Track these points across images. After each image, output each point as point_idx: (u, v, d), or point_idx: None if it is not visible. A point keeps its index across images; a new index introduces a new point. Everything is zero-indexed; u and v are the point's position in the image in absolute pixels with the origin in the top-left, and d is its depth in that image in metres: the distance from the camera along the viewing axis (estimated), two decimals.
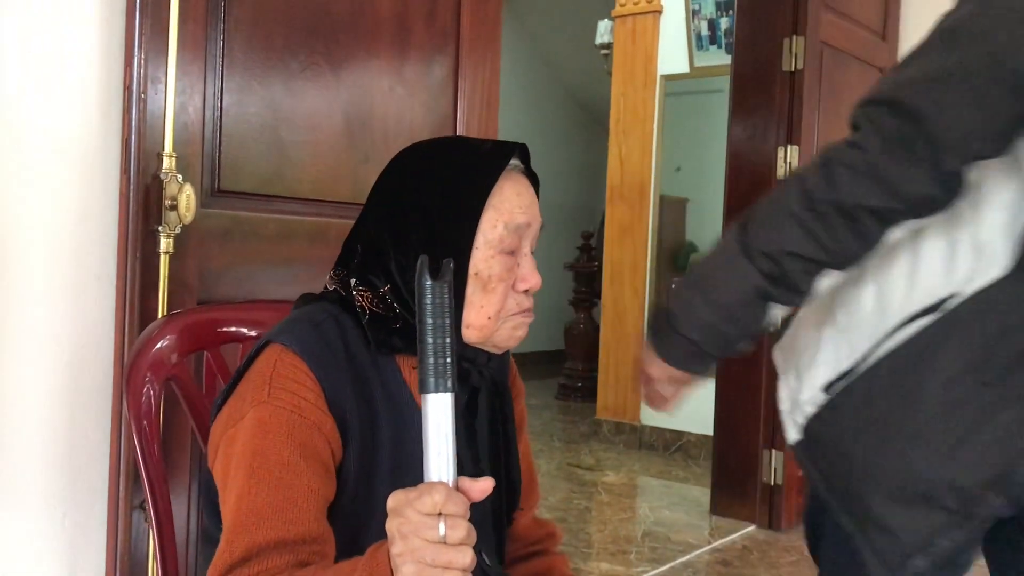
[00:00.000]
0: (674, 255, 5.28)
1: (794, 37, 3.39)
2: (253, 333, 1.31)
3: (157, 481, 1.12)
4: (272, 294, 1.70)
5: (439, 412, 0.77)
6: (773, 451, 3.47)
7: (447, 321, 0.77)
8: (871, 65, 3.81)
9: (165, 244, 1.49)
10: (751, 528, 3.44)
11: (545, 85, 7.86)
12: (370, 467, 0.98)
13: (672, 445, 4.69)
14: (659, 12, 4.69)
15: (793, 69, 3.40)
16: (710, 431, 3.92)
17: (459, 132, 2.06)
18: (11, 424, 1.40)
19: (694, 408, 4.49)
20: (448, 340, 0.77)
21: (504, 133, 6.73)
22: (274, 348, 0.97)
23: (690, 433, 4.62)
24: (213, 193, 1.61)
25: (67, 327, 1.46)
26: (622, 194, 4.91)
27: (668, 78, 4.72)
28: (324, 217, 1.79)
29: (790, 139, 3.41)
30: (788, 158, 3.40)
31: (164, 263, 1.50)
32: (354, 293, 1.01)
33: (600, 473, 4.22)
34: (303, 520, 0.89)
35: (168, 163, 1.50)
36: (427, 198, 0.99)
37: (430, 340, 0.76)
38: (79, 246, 1.47)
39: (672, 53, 4.69)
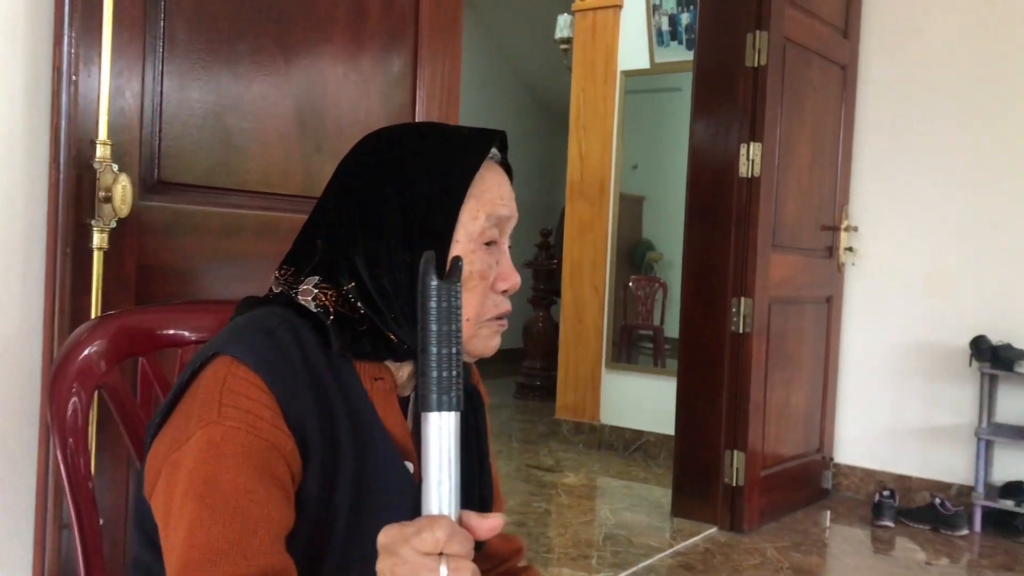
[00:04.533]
0: (630, 253, 5.26)
1: (757, 32, 3.35)
2: (194, 337, 1.20)
3: (84, 504, 1.01)
4: (218, 292, 1.60)
5: (443, 434, 0.67)
6: (735, 452, 3.42)
7: (455, 327, 0.68)
8: (833, 62, 3.79)
9: (99, 239, 1.38)
10: (713, 530, 3.39)
11: (502, 79, 7.77)
12: (331, 486, 0.88)
13: (632, 445, 4.64)
14: (619, 7, 4.63)
15: (756, 65, 3.35)
16: (669, 430, 3.87)
17: (418, 118, 1.96)
18: None
19: (653, 407, 4.48)
20: (455, 351, 0.67)
21: None
22: (223, 360, 0.86)
23: (650, 432, 4.57)
24: (153, 184, 1.50)
25: None
26: (582, 191, 4.85)
27: (628, 74, 4.66)
28: (273, 211, 1.68)
29: (753, 136, 3.36)
30: (751, 155, 3.36)
31: (98, 260, 1.38)
32: (315, 291, 0.90)
33: (560, 474, 4.14)
34: (263, 553, 0.79)
35: (102, 151, 1.38)
36: (403, 185, 0.90)
37: (434, 350, 0.67)
38: (2, 243, 1.35)
39: (632, 49, 4.64)
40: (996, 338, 3.60)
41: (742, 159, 3.38)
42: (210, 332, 1.20)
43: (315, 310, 0.90)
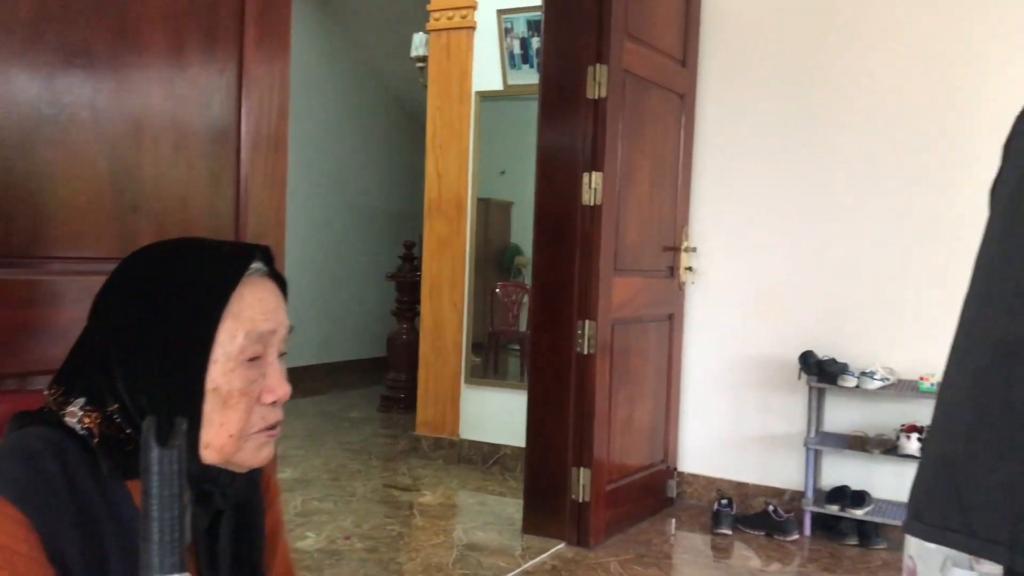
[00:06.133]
0: (499, 258, 5.38)
1: (598, 65, 3.47)
2: None
3: None
4: (32, 366, 1.57)
5: None
6: (581, 469, 3.55)
7: (176, 491, 0.71)
8: (672, 91, 3.96)
9: None
10: (561, 546, 3.51)
11: (368, 90, 7.74)
12: None
13: (490, 458, 4.73)
14: (473, 28, 4.70)
15: (597, 97, 3.48)
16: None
17: (243, 177, 1.97)
18: None
19: (511, 421, 4.58)
20: (178, 513, 0.71)
21: (325, 139, 6.62)
22: None
23: (507, 446, 4.68)
24: None
25: None
26: (440, 208, 4.90)
27: (483, 95, 4.73)
28: (88, 275, 1.66)
29: (595, 165, 3.49)
30: (593, 184, 3.49)
31: None
32: (80, 413, 0.92)
33: (417, 493, 4.19)
34: None
35: None
36: (158, 309, 0.92)
37: (156, 515, 0.70)
38: None
39: (486, 70, 4.72)
40: (822, 353, 3.85)
41: (584, 188, 3.50)
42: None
43: (81, 432, 0.92)
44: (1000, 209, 1.08)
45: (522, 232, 5.24)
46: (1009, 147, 1.11)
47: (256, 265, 0.98)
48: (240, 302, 0.95)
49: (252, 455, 0.97)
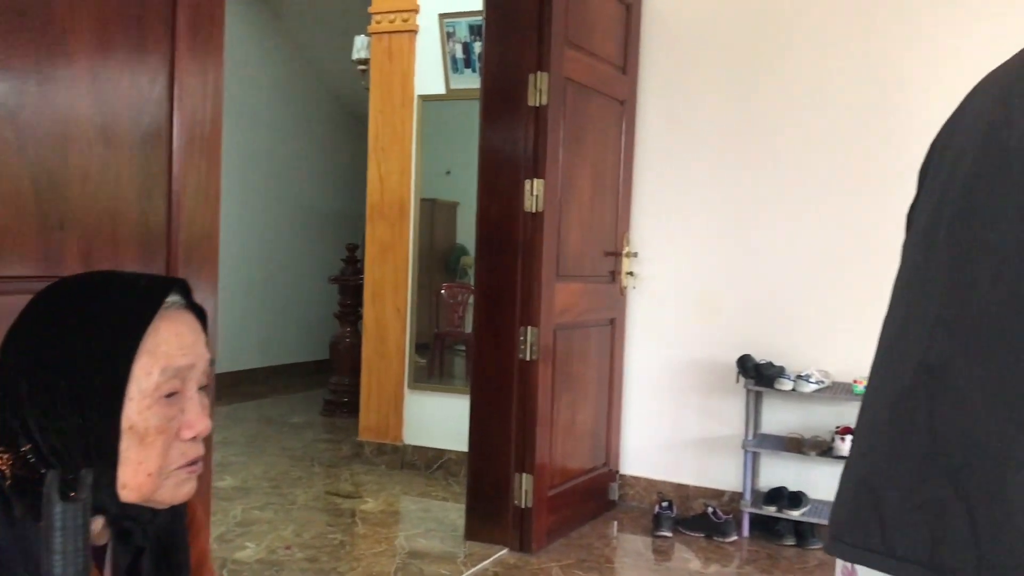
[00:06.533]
0: (445, 258, 5.38)
1: (539, 73, 3.48)
2: None
3: None
4: None
5: None
6: (523, 475, 3.56)
7: (82, 546, 0.70)
8: (613, 98, 3.99)
9: None
10: (504, 552, 3.52)
11: (312, 92, 7.67)
12: None
13: (433, 463, 4.72)
14: (415, 32, 4.68)
15: (538, 104, 3.49)
16: None
17: (176, 190, 1.93)
18: None
19: (455, 426, 4.57)
20: (82, 567, 0.69)
21: (266, 139, 6.53)
22: None
23: (451, 451, 4.67)
24: None
25: None
26: (382, 212, 4.87)
27: (425, 99, 4.72)
28: (11, 295, 1.61)
29: (536, 172, 3.50)
30: (534, 191, 3.50)
31: None
32: None
33: (359, 501, 4.16)
34: None
35: None
36: (70, 347, 0.90)
37: (59, 571, 0.69)
38: None
39: (429, 74, 4.70)
40: (760, 356, 3.92)
41: (526, 195, 3.51)
42: None
43: None
44: (918, 233, 1.11)
45: (468, 232, 5.23)
46: (925, 173, 1.13)
47: (173, 298, 0.97)
48: (155, 337, 0.93)
49: (172, 492, 0.95)
